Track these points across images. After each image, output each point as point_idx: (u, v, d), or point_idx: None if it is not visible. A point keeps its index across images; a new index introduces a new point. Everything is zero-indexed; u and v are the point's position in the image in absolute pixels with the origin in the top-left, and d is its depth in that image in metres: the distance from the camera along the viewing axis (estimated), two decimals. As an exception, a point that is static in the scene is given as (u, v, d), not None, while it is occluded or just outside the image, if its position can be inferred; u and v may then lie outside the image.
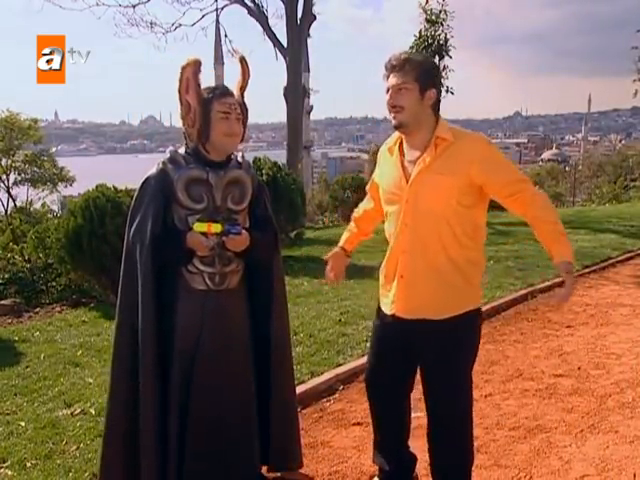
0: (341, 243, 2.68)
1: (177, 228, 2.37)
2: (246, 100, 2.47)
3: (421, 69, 2.23)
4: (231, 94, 2.40)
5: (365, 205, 2.69)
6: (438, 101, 2.31)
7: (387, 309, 2.42)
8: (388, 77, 2.27)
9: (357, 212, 2.72)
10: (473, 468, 2.84)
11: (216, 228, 2.35)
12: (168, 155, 2.41)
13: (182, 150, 2.43)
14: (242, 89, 2.46)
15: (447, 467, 2.48)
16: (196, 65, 2.31)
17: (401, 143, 2.37)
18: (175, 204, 2.36)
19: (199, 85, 2.32)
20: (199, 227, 2.34)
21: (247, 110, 2.44)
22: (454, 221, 2.25)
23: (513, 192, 2.25)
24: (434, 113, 2.29)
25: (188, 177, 2.35)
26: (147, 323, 2.32)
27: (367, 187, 2.68)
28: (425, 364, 2.41)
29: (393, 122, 2.28)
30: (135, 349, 2.34)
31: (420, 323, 2.32)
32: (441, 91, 2.31)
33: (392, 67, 2.25)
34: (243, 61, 2.47)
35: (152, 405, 2.34)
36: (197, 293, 2.40)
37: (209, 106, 2.33)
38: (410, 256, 2.31)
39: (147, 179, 2.39)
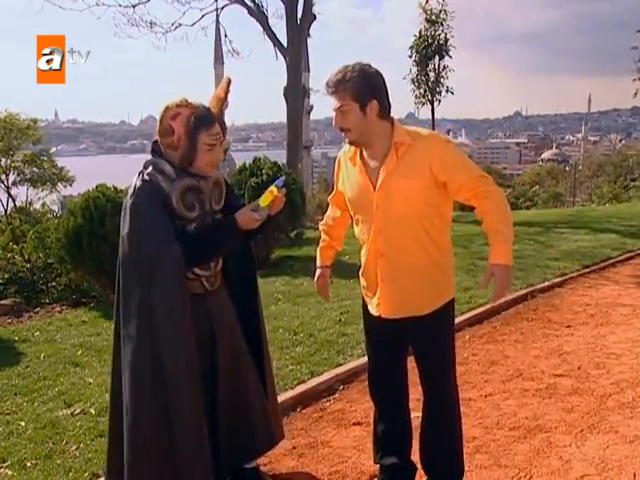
0: (321, 263, 2.75)
1: (222, 218, 2.41)
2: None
3: (355, 87, 2.21)
4: (215, 120, 2.35)
5: (332, 214, 2.74)
6: (385, 106, 2.29)
7: (373, 310, 2.50)
8: (329, 95, 2.28)
9: (325, 223, 2.76)
10: (473, 468, 2.86)
11: (273, 192, 2.37)
12: (151, 167, 2.33)
13: (157, 159, 2.37)
14: (222, 108, 2.42)
15: (440, 449, 2.54)
16: (196, 110, 2.29)
17: (361, 151, 2.39)
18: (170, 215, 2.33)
19: (189, 121, 2.27)
20: (266, 201, 2.36)
21: (226, 129, 2.43)
22: (424, 220, 2.32)
23: (472, 188, 2.29)
24: (384, 119, 2.30)
25: (182, 187, 2.32)
26: (183, 350, 2.28)
27: (329, 198, 2.72)
28: (415, 349, 2.54)
29: (346, 140, 2.35)
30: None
31: (406, 320, 2.42)
32: (385, 96, 2.28)
33: (330, 92, 2.26)
34: (228, 82, 2.45)
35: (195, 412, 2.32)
36: (196, 297, 2.40)
37: (196, 137, 2.29)
38: (388, 260, 2.38)
39: (141, 190, 2.30)
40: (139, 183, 2.31)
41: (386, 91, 2.30)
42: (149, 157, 2.39)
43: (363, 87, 2.23)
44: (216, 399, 2.46)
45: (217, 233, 2.41)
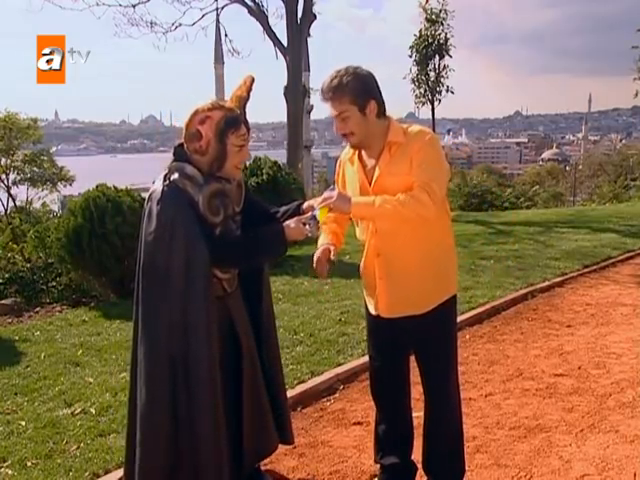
0: (325, 240, 2.51)
1: (270, 226, 2.38)
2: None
3: (353, 90, 2.23)
4: (241, 121, 2.32)
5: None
6: (382, 105, 2.31)
7: (372, 310, 2.51)
8: (326, 104, 2.28)
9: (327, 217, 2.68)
10: (473, 467, 2.86)
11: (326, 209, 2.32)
12: (177, 173, 2.28)
13: (183, 164, 2.33)
14: (244, 106, 2.39)
15: (441, 451, 2.54)
16: (229, 113, 2.26)
17: (360, 151, 2.41)
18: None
19: (219, 126, 2.25)
20: (323, 214, 2.28)
21: (249, 128, 2.40)
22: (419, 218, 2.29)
23: (417, 180, 2.20)
24: (382, 118, 2.32)
25: (210, 192, 2.30)
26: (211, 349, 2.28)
27: None
28: (416, 348, 2.53)
29: (349, 144, 2.37)
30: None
31: (405, 319, 2.41)
32: (380, 95, 2.30)
33: (326, 98, 2.26)
34: (251, 80, 2.42)
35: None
36: (217, 300, 2.39)
37: (225, 140, 2.27)
38: (385, 258, 2.38)
39: (166, 200, 2.24)
40: (166, 189, 2.26)
41: (380, 91, 2.32)
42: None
43: (360, 90, 2.25)
44: (241, 401, 2.44)
45: (263, 241, 2.37)
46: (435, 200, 2.19)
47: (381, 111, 2.31)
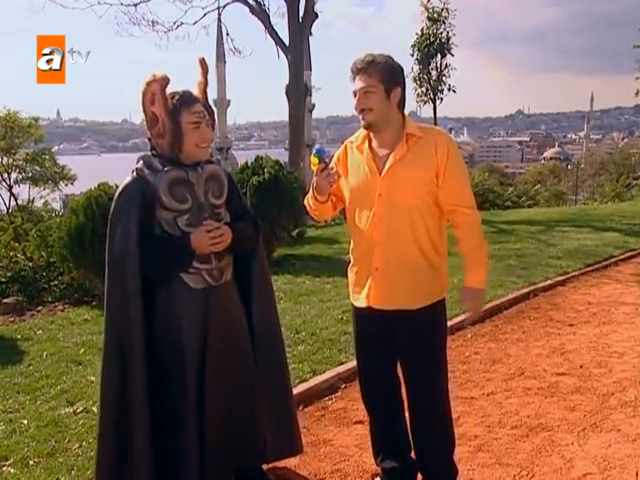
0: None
1: (176, 234, 2.36)
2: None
3: (385, 70, 2.29)
4: (197, 100, 2.38)
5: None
6: (403, 98, 2.36)
7: (362, 302, 2.45)
8: (354, 80, 2.33)
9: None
10: (475, 466, 2.86)
11: (315, 161, 2.35)
12: (141, 162, 2.38)
13: (147, 153, 2.42)
14: (204, 91, 2.45)
15: (432, 453, 2.53)
16: (164, 81, 2.29)
17: (369, 141, 2.41)
18: (160, 209, 2.34)
19: (166, 99, 2.29)
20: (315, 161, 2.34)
21: (213, 112, 2.45)
22: (426, 212, 2.34)
23: (459, 199, 2.36)
24: (400, 111, 2.36)
25: (169, 179, 2.33)
26: (137, 340, 2.33)
27: None
28: (404, 353, 2.49)
29: (363, 122, 2.36)
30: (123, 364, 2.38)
31: (396, 314, 2.39)
32: (405, 88, 2.37)
33: (357, 70, 2.31)
34: (202, 62, 2.46)
35: (143, 407, 2.36)
36: (198, 292, 2.39)
37: (178, 118, 2.31)
38: (384, 248, 2.37)
39: (124, 189, 2.36)
40: (127, 180, 2.38)
41: (405, 85, 2.37)
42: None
43: (392, 72, 2.30)
44: (203, 399, 2.39)
45: (166, 249, 2.37)
46: (475, 205, 2.42)
47: (402, 102, 2.35)
